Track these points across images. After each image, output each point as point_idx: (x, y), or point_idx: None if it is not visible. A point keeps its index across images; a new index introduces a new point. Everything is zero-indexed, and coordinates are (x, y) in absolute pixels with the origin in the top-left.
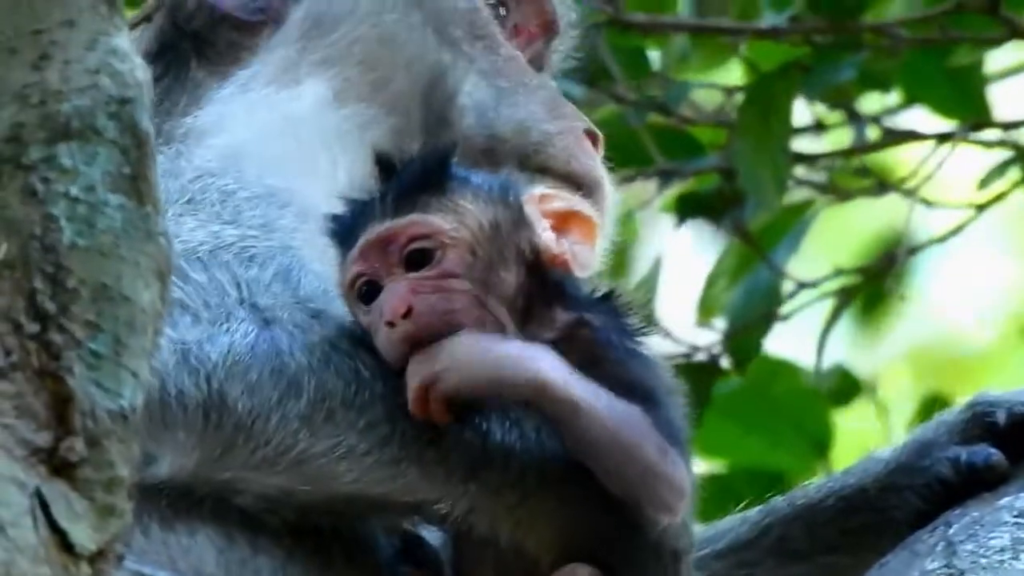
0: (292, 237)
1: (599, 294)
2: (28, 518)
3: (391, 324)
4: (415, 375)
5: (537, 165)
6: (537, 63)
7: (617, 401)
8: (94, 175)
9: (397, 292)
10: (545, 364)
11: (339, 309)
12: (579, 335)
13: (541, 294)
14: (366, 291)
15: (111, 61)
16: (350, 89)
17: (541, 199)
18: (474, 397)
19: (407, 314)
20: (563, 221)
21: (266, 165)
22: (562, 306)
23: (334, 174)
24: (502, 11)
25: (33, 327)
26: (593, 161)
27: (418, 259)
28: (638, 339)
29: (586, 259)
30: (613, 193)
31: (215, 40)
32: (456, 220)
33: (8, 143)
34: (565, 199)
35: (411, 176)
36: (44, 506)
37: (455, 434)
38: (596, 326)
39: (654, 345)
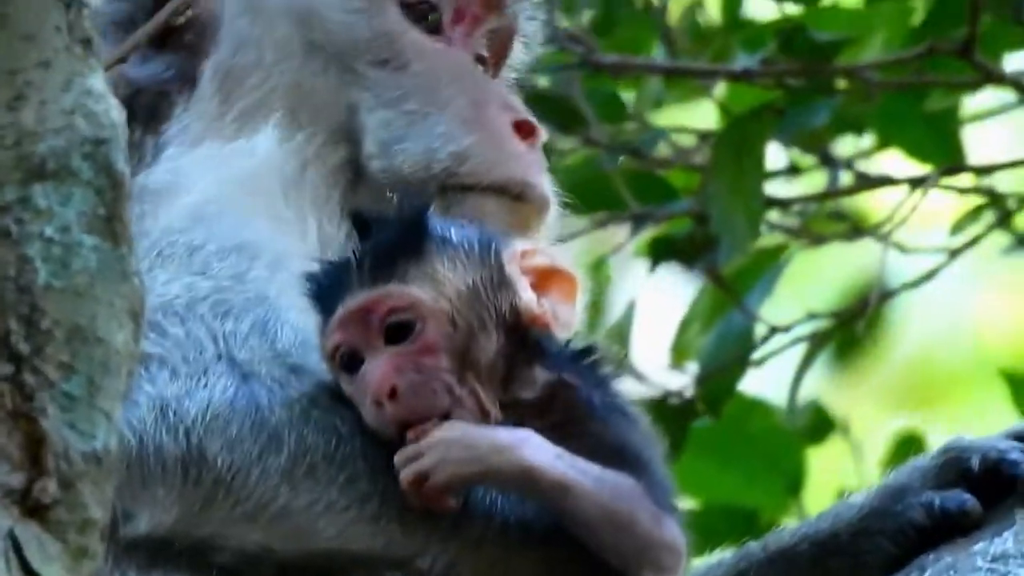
0: (266, 287)
1: (576, 349)
2: (1, 560)
3: (378, 404)
4: (406, 471)
5: (456, 186)
6: (495, 44)
7: (606, 473)
8: (69, 216)
9: (380, 370)
10: (532, 450)
11: (317, 362)
12: (560, 395)
13: (521, 354)
14: (347, 361)
15: (86, 102)
16: (288, 134)
17: (522, 256)
18: (465, 487)
19: (392, 395)
20: (544, 279)
21: (232, 219)
22: (541, 365)
23: (302, 221)
24: (443, 4)
25: (7, 368)
26: (518, 162)
27: (398, 331)
28: (617, 394)
29: (567, 318)
30: (548, 191)
31: (137, 108)
32: (434, 289)
33: None
34: (546, 255)
35: (388, 240)
36: (17, 548)
37: None
38: (577, 386)
39: (629, 393)
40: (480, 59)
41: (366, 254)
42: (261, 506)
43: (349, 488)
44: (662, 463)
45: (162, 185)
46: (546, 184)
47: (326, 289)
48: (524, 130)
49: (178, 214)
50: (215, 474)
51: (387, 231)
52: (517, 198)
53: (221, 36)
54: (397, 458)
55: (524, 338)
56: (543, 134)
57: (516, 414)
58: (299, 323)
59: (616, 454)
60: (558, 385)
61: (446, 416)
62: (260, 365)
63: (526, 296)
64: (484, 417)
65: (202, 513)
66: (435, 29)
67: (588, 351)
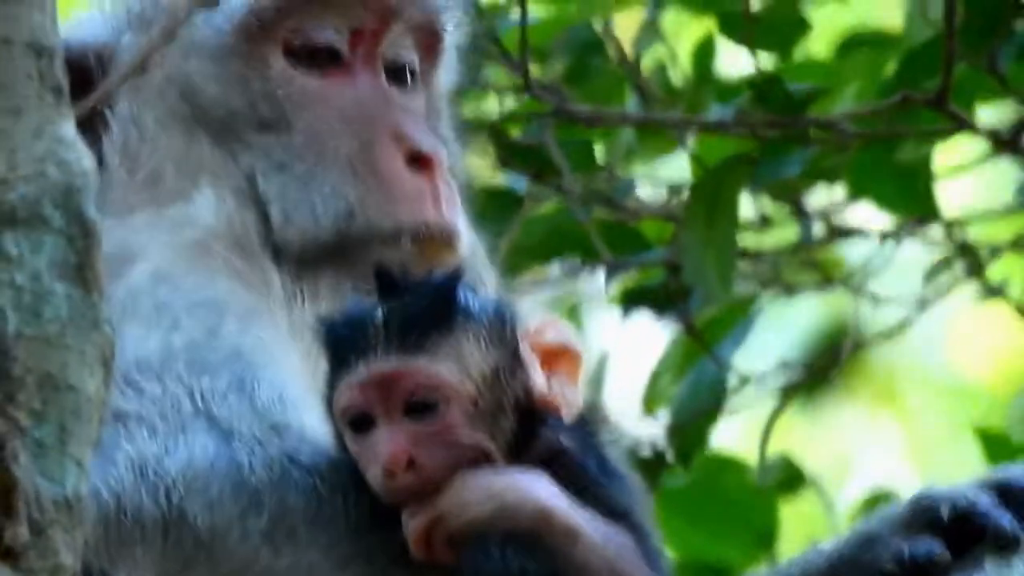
0: (240, 342)
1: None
2: None
3: (391, 473)
4: (418, 518)
5: (354, 243)
6: (421, 46)
7: (610, 529)
8: (40, 264)
9: (398, 442)
10: (545, 492)
11: (296, 419)
12: (559, 462)
13: (527, 429)
14: (358, 422)
15: (57, 150)
16: (214, 201)
17: (535, 333)
18: (479, 532)
19: (410, 465)
20: (553, 357)
21: (195, 278)
22: (541, 432)
23: (263, 277)
24: (331, 36)
25: None
26: (410, 203)
27: (420, 408)
28: (611, 460)
29: (573, 400)
30: (449, 221)
31: None
32: (461, 371)
33: None
34: (557, 331)
35: (419, 306)
36: None
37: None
38: (574, 452)
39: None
40: (397, 72)
41: (393, 317)
42: (242, 569)
43: (330, 551)
44: (651, 525)
45: (113, 253)
46: (446, 214)
47: (343, 339)
48: (419, 161)
49: (139, 277)
50: (195, 535)
51: (417, 296)
52: (416, 241)
53: (115, 115)
54: (408, 510)
55: (532, 416)
56: (440, 156)
57: None
58: (276, 379)
59: (616, 517)
60: (556, 453)
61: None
62: (240, 422)
63: (539, 379)
64: None
65: (182, 573)
66: (334, 58)
67: (583, 417)
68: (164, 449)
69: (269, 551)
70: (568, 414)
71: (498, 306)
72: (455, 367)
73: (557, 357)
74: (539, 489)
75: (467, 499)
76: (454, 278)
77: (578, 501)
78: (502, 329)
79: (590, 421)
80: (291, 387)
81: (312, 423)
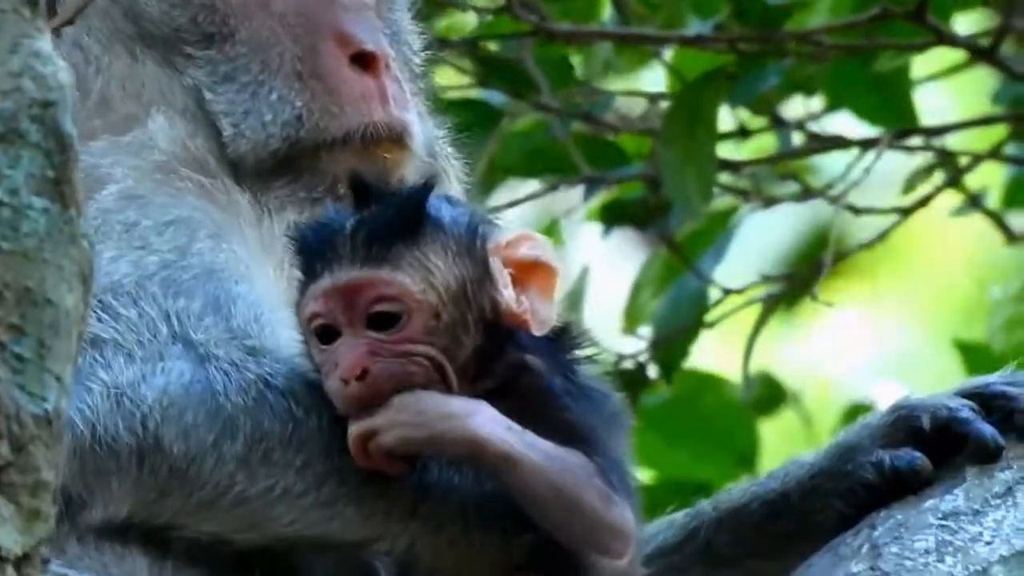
0: (212, 259)
1: (549, 332)
2: None
3: (345, 382)
4: (356, 428)
5: (306, 149)
6: None
7: (558, 450)
8: (17, 178)
9: (355, 351)
10: (482, 420)
11: (271, 339)
12: (521, 378)
13: (493, 344)
14: (322, 331)
15: (34, 64)
16: (173, 117)
17: (507, 246)
18: (413, 452)
19: (362, 376)
20: (526, 272)
21: (162, 198)
22: (509, 349)
23: (230, 196)
24: None
25: None
26: (357, 105)
27: (381, 319)
28: (585, 377)
29: (545, 316)
30: (399, 117)
31: None
32: (424, 282)
33: None
34: (531, 245)
35: (386, 217)
36: None
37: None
38: (538, 370)
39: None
40: None
41: (361, 226)
42: (217, 494)
43: (305, 471)
44: (623, 445)
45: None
46: (394, 111)
47: (312, 247)
48: (364, 61)
49: (106, 199)
50: (170, 463)
51: (386, 205)
52: (366, 141)
53: (59, 38)
54: (350, 420)
55: (499, 329)
56: (385, 52)
57: (475, 395)
58: (250, 297)
59: (571, 434)
60: (520, 368)
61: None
62: (216, 347)
63: (508, 293)
64: None
65: (157, 502)
66: None
67: (559, 333)
68: (141, 376)
69: (244, 475)
70: (538, 328)
71: (470, 217)
72: (419, 278)
73: (531, 271)
74: (475, 417)
75: (400, 420)
76: (425, 188)
77: (533, 420)
78: (472, 241)
79: (566, 338)
80: (266, 304)
81: (287, 340)
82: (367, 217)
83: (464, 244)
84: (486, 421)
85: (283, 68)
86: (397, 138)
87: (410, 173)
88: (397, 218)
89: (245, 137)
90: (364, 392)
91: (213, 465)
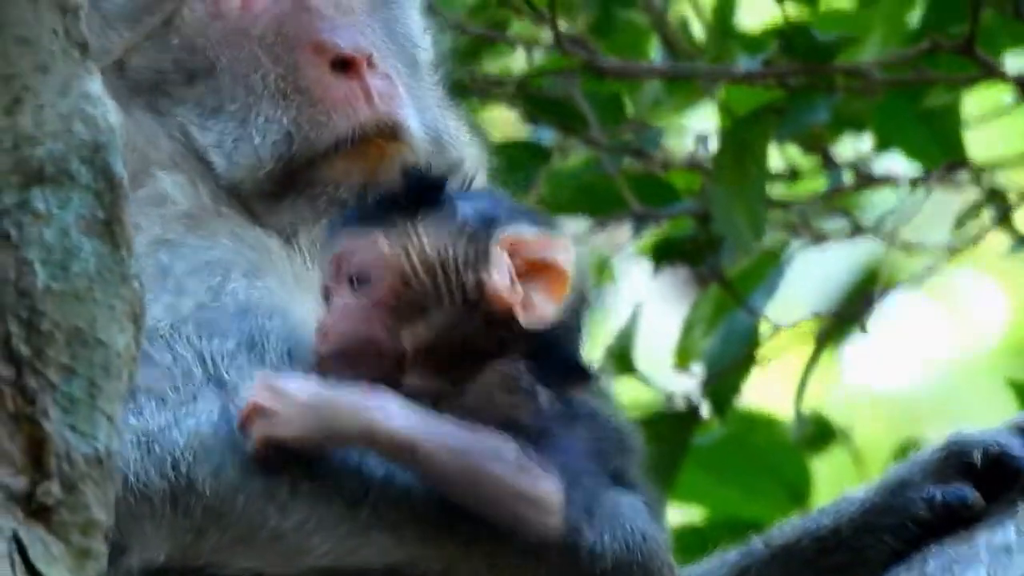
0: (248, 297)
1: (562, 357)
2: (6, 562)
3: (320, 339)
4: (257, 425)
5: (300, 165)
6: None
7: (462, 429)
8: (68, 219)
9: (331, 311)
10: (375, 412)
11: (304, 366)
12: (493, 378)
13: (480, 334)
14: (327, 296)
15: (84, 106)
16: (172, 170)
17: (517, 243)
18: (307, 447)
19: (326, 335)
20: (535, 268)
21: (194, 241)
22: (496, 346)
23: (259, 237)
24: None
25: (8, 371)
26: (341, 110)
27: (357, 281)
28: (582, 399)
29: (542, 311)
30: (388, 111)
31: None
32: (402, 247)
33: None
34: (547, 245)
35: (398, 193)
36: (21, 550)
37: (424, 490)
38: (513, 374)
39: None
40: None
41: (375, 201)
42: (252, 531)
43: (335, 501)
44: (625, 467)
45: None
46: (381, 107)
47: (340, 224)
48: (343, 65)
49: (137, 244)
50: (204, 503)
51: (402, 186)
52: (358, 143)
53: None
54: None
55: (490, 320)
56: (365, 50)
57: (439, 382)
58: (283, 332)
59: (510, 429)
60: (500, 375)
61: (364, 353)
62: (247, 385)
63: (498, 278)
64: (396, 376)
65: (194, 544)
66: None
67: (568, 360)
68: (173, 420)
69: (275, 510)
70: (528, 319)
71: (491, 208)
72: (397, 244)
73: (540, 269)
74: (371, 409)
75: (293, 414)
76: (440, 173)
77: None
78: (479, 227)
79: (572, 364)
80: (300, 337)
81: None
82: (386, 194)
83: (468, 228)
84: (380, 408)
85: (267, 89)
86: (389, 133)
87: (412, 164)
88: (400, 191)
89: (238, 165)
90: (327, 351)
91: (245, 502)
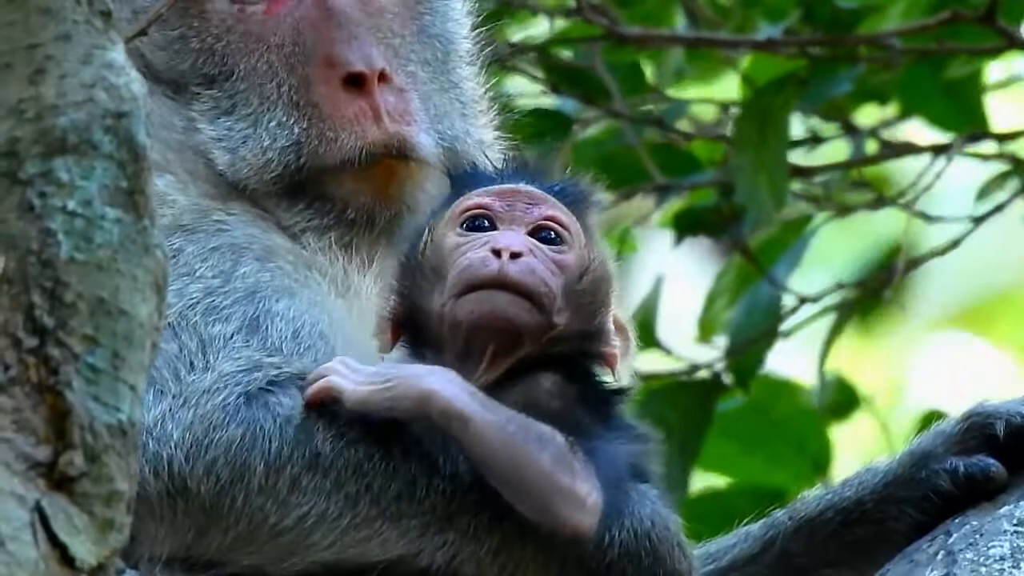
0: (257, 281)
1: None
2: (28, 532)
3: (497, 253)
4: (324, 383)
5: (316, 174)
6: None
7: (519, 417)
8: (91, 189)
9: (521, 238)
10: (436, 379)
11: (308, 355)
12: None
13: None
14: (477, 222)
15: (106, 75)
16: (181, 175)
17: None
18: (365, 410)
19: (516, 256)
20: (616, 327)
21: (209, 226)
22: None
23: (268, 223)
24: None
25: (31, 341)
26: (351, 129)
27: (548, 233)
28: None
29: (625, 367)
30: (396, 131)
31: None
32: (588, 242)
33: (4, 158)
34: (622, 311)
35: (562, 183)
36: (44, 520)
37: (425, 482)
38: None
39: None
40: None
41: (556, 177)
42: (253, 528)
43: (336, 494)
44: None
45: None
46: (390, 127)
47: (487, 169)
48: (356, 82)
49: None
50: (200, 502)
51: (565, 179)
52: (365, 164)
53: None
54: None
55: (582, 350)
56: (376, 67)
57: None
58: (291, 313)
59: (561, 426)
60: (552, 382)
61: (536, 303)
62: (243, 375)
63: (611, 330)
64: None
65: (197, 542)
66: None
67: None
68: (168, 411)
69: (275, 505)
70: (618, 369)
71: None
72: (583, 235)
73: (620, 330)
74: (428, 377)
75: (361, 380)
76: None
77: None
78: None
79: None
80: (308, 318)
81: (329, 349)
82: (560, 177)
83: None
84: (440, 380)
85: (281, 99)
86: (398, 152)
87: (422, 182)
88: (581, 189)
89: (245, 161)
90: (509, 271)
91: (243, 499)
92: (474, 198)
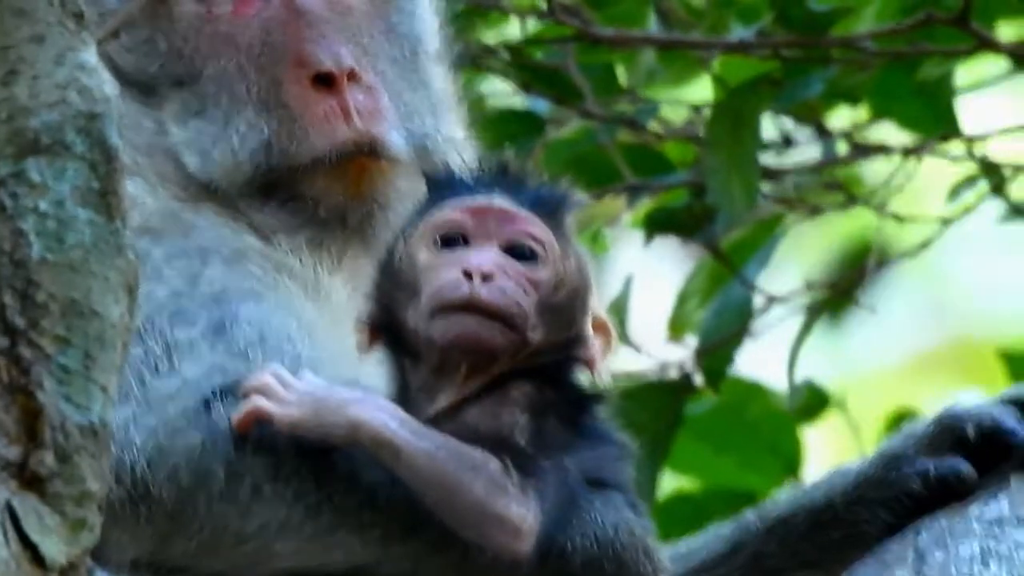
0: (225, 284)
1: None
2: None
3: (468, 275)
4: (253, 403)
5: (282, 173)
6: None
7: (451, 442)
8: (63, 190)
9: (493, 257)
10: (366, 408)
11: (274, 357)
12: (511, 396)
13: (545, 358)
14: (449, 239)
15: (79, 76)
16: (150, 178)
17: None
18: (295, 433)
19: (488, 278)
20: (595, 326)
21: (178, 229)
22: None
23: (237, 225)
24: None
25: (3, 342)
26: (321, 128)
27: (520, 250)
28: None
29: (605, 369)
30: (367, 130)
31: None
32: (563, 252)
33: None
34: (602, 308)
35: (547, 189)
36: (15, 520)
37: (387, 492)
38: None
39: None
40: None
41: (533, 183)
42: (215, 536)
43: (297, 504)
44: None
45: None
46: (361, 126)
47: (462, 178)
48: (325, 81)
49: None
50: (163, 509)
51: (540, 186)
52: (336, 163)
53: None
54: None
55: (561, 354)
56: (346, 66)
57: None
58: (257, 316)
59: (497, 443)
60: (523, 394)
61: (509, 324)
62: (207, 379)
63: (590, 332)
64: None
65: (160, 549)
66: None
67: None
68: (132, 417)
69: (237, 513)
70: (596, 372)
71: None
72: (558, 247)
73: (598, 328)
74: (357, 406)
75: (292, 402)
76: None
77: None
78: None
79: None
80: (275, 321)
81: (295, 354)
82: (512, 179)
83: (589, 271)
84: (372, 409)
85: (251, 99)
86: (369, 151)
87: (394, 180)
88: (556, 196)
89: (216, 162)
90: (480, 294)
91: (205, 506)
92: (447, 213)
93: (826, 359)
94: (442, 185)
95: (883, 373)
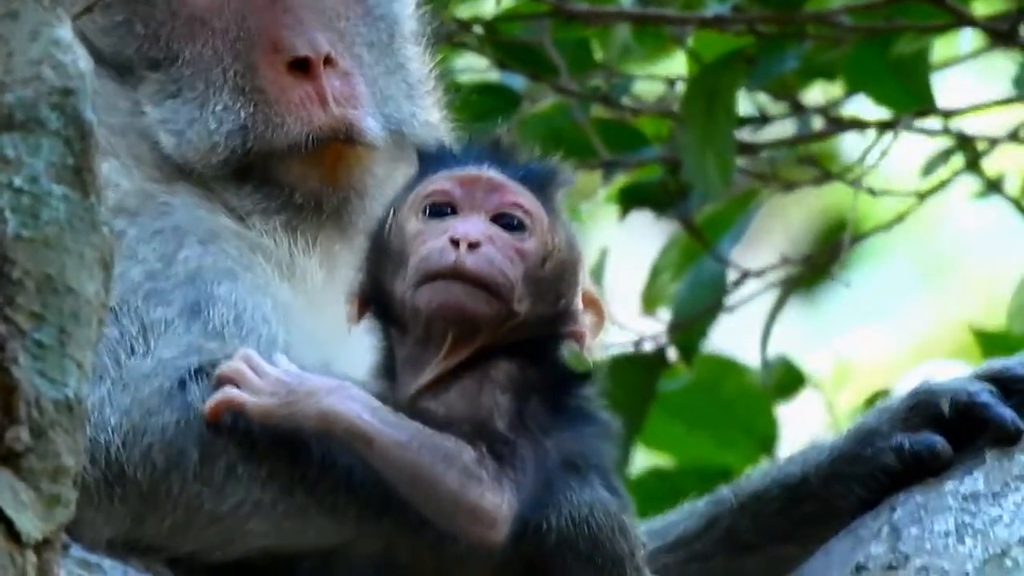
0: (200, 264)
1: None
2: None
3: (455, 243)
4: (224, 394)
5: (263, 158)
6: None
7: (425, 432)
8: (38, 166)
9: (481, 226)
10: (339, 398)
11: (251, 337)
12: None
13: (533, 332)
14: (437, 209)
15: (54, 52)
16: (125, 159)
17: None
18: (267, 422)
19: (475, 246)
20: (586, 301)
21: (153, 209)
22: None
23: (213, 206)
24: None
25: None
26: (296, 114)
27: (509, 220)
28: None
29: (594, 344)
30: (341, 116)
31: None
32: (552, 228)
33: None
34: (592, 286)
35: (528, 164)
36: None
37: (360, 472)
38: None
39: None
40: None
41: (517, 158)
42: (189, 515)
43: (271, 483)
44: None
45: None
46: (336, 110)
47: (452, 150)
48: (302, 67)
49: None
50: (137, 490)
51: (531, 161)
52: (312, 148)
53: None
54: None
55: (549, 329)
56: (321, 51)
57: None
58: (232, 297)
59: (476, 427)
60: (504, 373)
61: (494, 293)
62: (181, 360)
63: (580, 306)
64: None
65: (134, 528)
66: None
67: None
68: (107, 396)
69: (211, 492)
70: (586, 347)
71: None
72: (547, 219)
73: (589, 304)
74: (329, 396)
75: (264, 392)
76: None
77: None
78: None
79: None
80: (251, 301)
81: (271, 334)
82: (503, 150)
83: (576, 238)
84: (343, 398)
85: (227, 84)
86: (345, 136)
87: (370, 166)
88: (547, 172)
89: (191, 144)
90: (466, 262)
91: (179, 486)
92: (436, 183)
93: (802, 334)
94: (433, 157)
95: (875, 354)
